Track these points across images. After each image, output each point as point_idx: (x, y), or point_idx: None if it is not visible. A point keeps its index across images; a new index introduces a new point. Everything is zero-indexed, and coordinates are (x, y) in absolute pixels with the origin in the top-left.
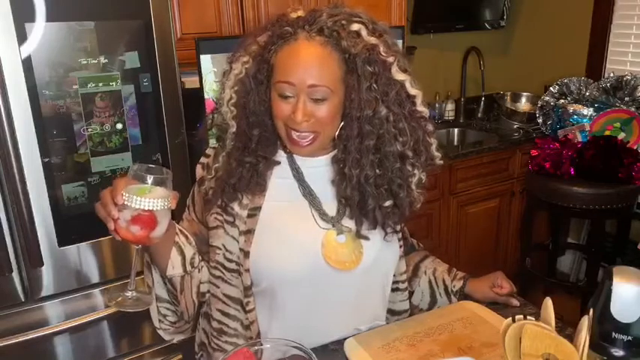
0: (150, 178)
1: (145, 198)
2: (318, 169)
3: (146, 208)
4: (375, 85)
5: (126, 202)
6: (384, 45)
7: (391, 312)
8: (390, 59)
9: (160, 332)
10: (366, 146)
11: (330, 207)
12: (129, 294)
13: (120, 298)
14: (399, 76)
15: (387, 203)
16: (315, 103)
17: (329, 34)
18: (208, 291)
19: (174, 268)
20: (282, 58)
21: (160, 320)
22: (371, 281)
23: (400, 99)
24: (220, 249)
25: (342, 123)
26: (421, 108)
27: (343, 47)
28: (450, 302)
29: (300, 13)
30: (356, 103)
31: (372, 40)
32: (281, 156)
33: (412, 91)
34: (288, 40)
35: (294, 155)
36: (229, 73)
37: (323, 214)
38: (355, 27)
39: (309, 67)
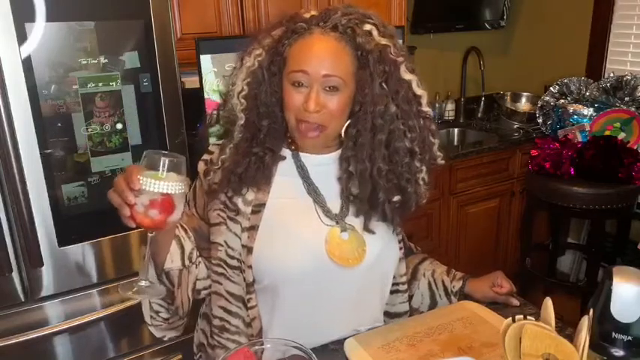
0: (164, 164)
1: (162, 182)
2: (324, 167)
3: (165, 192)
4: (385, 84)
5: (143, 187)
6: (394, 46)
7: (391, 315)
8: (400, 59)
9: (152, 329)
10: (378, 140)
11: (334, 204)
12: (143, 283)
13: (135, 288)
14: (407, 76)
15: (396, 198)
16: (328, 93)
17: (343, 31)
18: (210, 286)
19: (173, 261)
20: (296, 49)
21: (151, 317)
22: (372, 279)
23: (408, 98)
24: (222, 245)
25: (349, 121)
26: (426, 108)
27: (357, 43)
28: (450, 303)
29: (314, 12)
30: (369, 97)
31: (384, 40)
32: (286, 153)
33: (418, 91)
34: (303, 35)
35: (300, 153)
36: (241, 66)
37: (327, 212)
38: (367, 27)
39: (324, 57)
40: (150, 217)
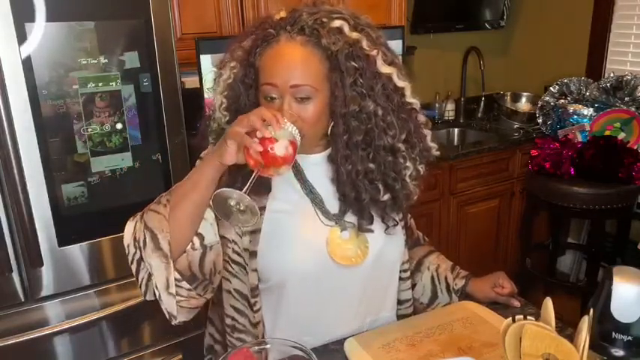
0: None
1: (293, 127)
2: (318, 167)
3: (298, 139)
4: (360, 80)
5: (286, 127)
6: (366, 39)
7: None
8: (374, 53)
9: (169, 300)
10: (354, 142)
11: (332, 204)
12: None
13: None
14: (385, 69)
15: (385, 197)
16: (300, 103)
17: (310, 33)
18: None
19: (216, 234)
20: (265, 60)
21: (176, 285)
22: (379, 273)
23: (387, 92)
24: (231, 242)
25: (333, 122)
26: (411, 99)
27: (323, 45)
28: (450, 300)
29: (283, 13)
30: (341, 100)
31: (354, 35)
32: None
33: (400, 83)
34: (271, 43)
35: None
36: (219, 79)
37: (325, 212)
38: (337, 23)
39: (290, 67)
40: (286, 150)
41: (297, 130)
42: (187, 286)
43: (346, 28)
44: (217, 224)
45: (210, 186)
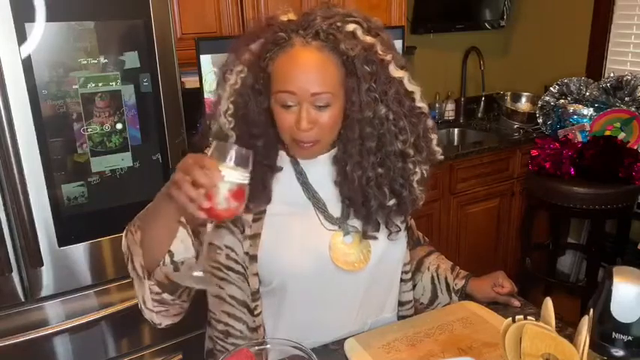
0: (236, 155)
1: (239, 172)
2: (321, 169)
3: (245, 182)
4: (374, 85)
5: (226, 179)
6: (380, 43)
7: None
8: (388, 57)
9: (149, 313)
10: (367, 148)
11: (335, 208)
12: (197, 274)
13: (194, 278)
14: (397, 73)
15: (391, 202)
16: (319, 109)
17: (325, 38)
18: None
19: (187, 249)
20: (279, 66)
21: (152, 299)
22: (381, 277)
23: (399, 96)
24: (221, 249)
25: (346, 126)
26: (420, 104)
27: (341, 50)
28: (450, 300)
29: (291, 15)
30: (357, 105)
31: (369, 39)
32: (283, 159)
33: (410, 87)
34: (284, 47)
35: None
36: (224, 84)
37: (328, 217)
38: (351, 27)
39: (309, 74)
40: (231, 207)
41: (238, 174)
42: (169, 297)
43: (360, 32)
44: (200, 233)
45: (173, 222)
